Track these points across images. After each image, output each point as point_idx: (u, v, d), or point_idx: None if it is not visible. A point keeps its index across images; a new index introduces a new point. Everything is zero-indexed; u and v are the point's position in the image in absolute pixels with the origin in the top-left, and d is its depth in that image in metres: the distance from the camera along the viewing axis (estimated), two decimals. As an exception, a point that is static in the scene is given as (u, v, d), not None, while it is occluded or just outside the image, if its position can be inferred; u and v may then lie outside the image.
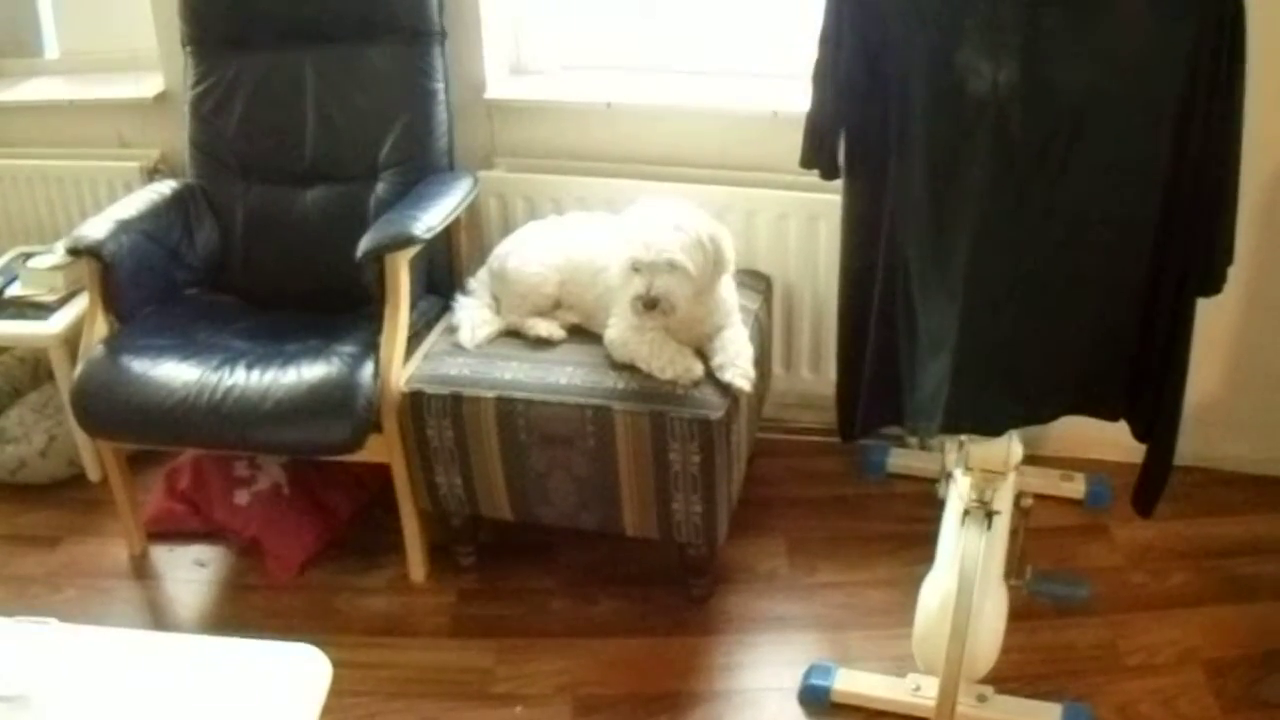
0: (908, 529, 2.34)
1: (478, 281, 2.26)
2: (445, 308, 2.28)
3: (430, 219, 2.13)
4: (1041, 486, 2.33)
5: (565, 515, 2.06)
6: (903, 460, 2.50)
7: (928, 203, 1.67)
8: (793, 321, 2.48)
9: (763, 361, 2.27)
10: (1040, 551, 2.12)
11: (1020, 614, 1.91)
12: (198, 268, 2.44)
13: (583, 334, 2.13)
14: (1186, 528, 2.31)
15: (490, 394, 1.98)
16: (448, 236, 2.34)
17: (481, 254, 2.44)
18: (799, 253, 2.40)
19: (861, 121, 1.76)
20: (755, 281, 2.34)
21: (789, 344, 2.51)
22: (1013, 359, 1.67)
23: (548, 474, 2.01)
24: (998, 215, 1.61)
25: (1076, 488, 2.39)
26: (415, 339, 2.20)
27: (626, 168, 2.48)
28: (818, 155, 1.83)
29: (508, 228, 2.50)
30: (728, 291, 2.06)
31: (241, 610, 2.21)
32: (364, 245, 2.06)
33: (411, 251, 2.10)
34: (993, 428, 1.71)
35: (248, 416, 2.02)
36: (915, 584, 2.17)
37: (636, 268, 1.92)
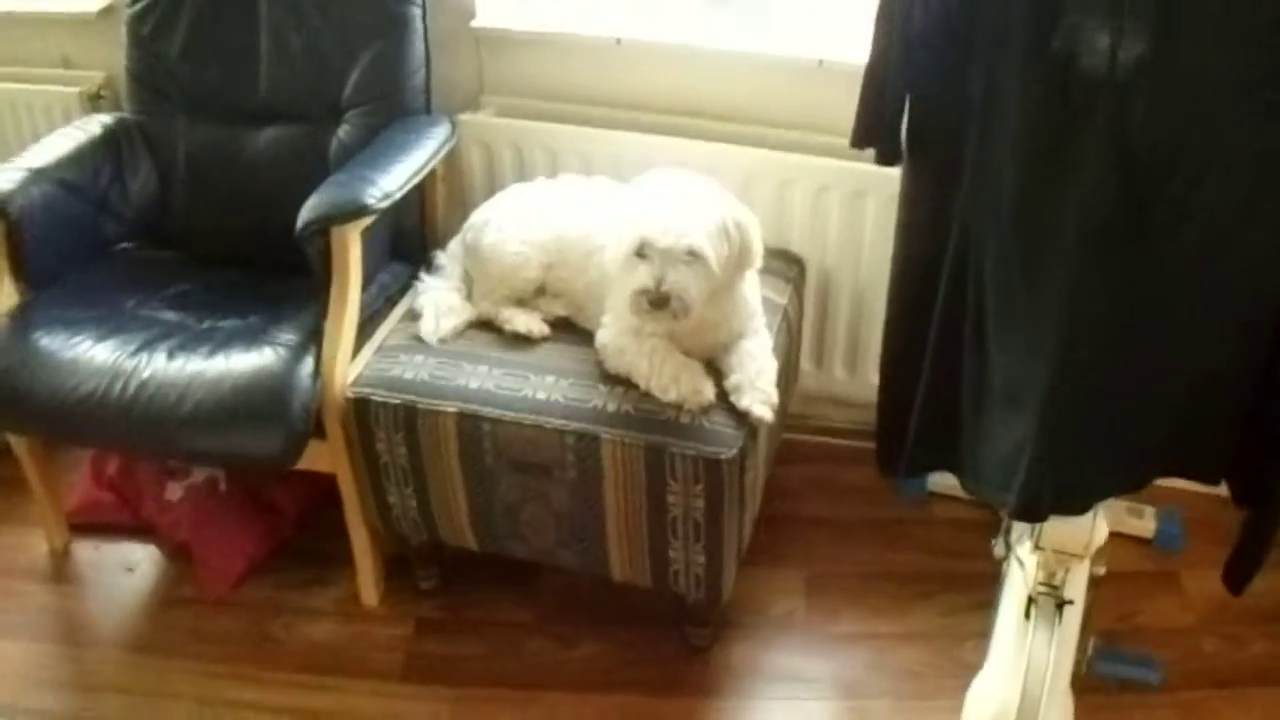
0: (948, 566, 1.98)
1: (448, 256, 1.88)
2: (413, 278, 1.92)
3: (390, 182, 1.75)
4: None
5: (540, 551, 1.72)
6: (947, 478, 2.12)
7: (1015, 210, 1.27)
8: (828, 312, 2.09)
9: (789, 364, 1.89)
10: (1100, 603, 1.77)
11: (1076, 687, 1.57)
12: (131, 219, 2.09)
13: (570, 329, 1.75)
14: (1272, 583, 1.94)
15: (451, 408, 1.62)
16: (420, 192, 1.97)
17: (463, 212, 2.05)
18: (840, 234, 1.99)
19: (936, 86, 1.35)
20: (784, 266, 1.94)
21: (821, 338, 2.12)
22: (1108, 421, 1.29)
23: (520, 505, 1.66)
24: (1107, 237, 1.22)
25: (1145, 525, 2.02)
26: (373, 320, 1.84)
27: (635, 118, 2.07)
28: (876, 129, 1.42)
29: (492, 183, 2.11)
30: (751, 292, 1.67)
31: (166, 631, 1.91)
32: (305, 215, 1.68)
33: (364, 223, 1.71)
34: (1079, 506, 1.34)
35: (163, 420, 1.68)
36: (955, 642, 1.86)
37: (644, 254, 1.52)
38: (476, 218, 1.85)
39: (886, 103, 1.38)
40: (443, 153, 1.94)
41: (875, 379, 2.10)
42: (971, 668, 1.55)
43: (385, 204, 1.71)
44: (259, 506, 2.03)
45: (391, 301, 1.92)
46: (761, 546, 1.96)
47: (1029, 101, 1.24)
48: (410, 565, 1.92)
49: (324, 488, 2.00)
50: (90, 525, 2.08)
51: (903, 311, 1.55)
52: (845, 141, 1.92)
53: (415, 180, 1.83)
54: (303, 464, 1.74)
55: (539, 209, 1.81)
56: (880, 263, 1.95)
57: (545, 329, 1.73)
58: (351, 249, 1.71)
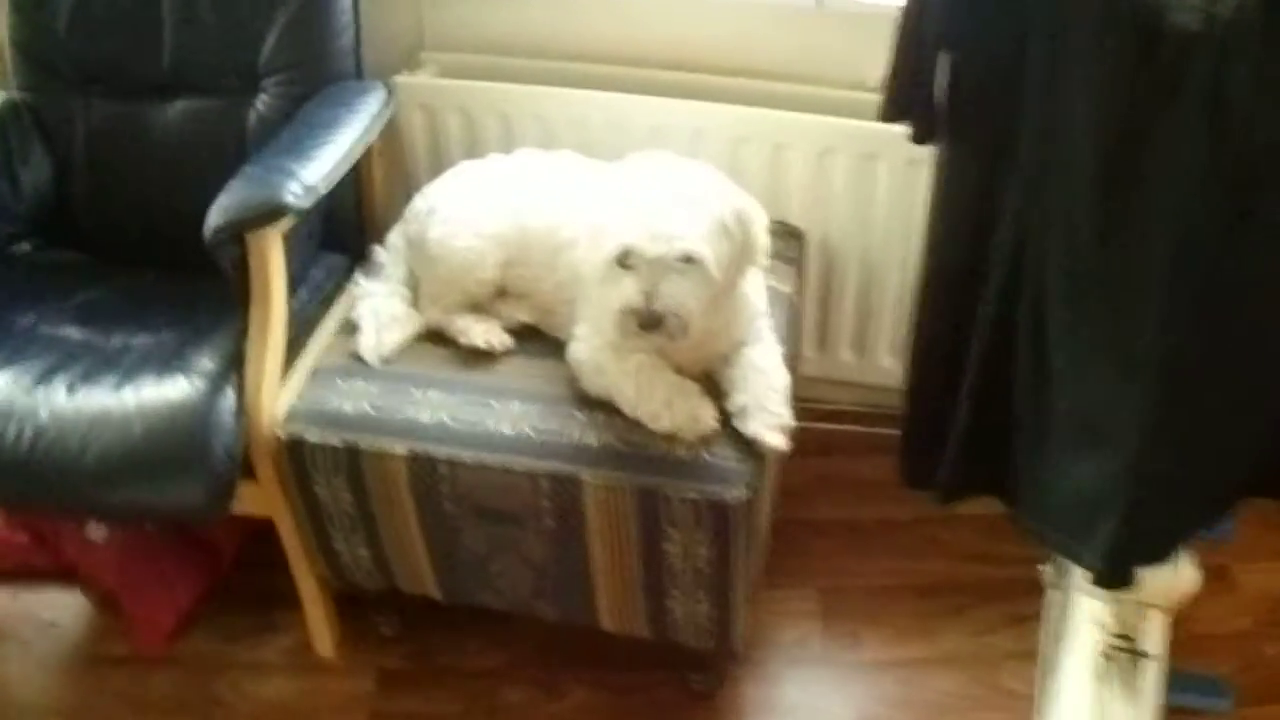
0: (978, 573, 1.77)
1: (388, 251, 1.60)
2: (351, 270, 1.66)
3: (313, 172, 1.46)
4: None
5: (516, 602, 1.49)
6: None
7: (1091, 202, 1.02)
8: (831, 290, 1.83)
9: (793, 354, 1.64)
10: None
11: None
12: (24, 216, 1.79)
13: (537, 339, 1.49)
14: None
15: (400, 448, 1.36)
16: (354, 171, 1.67)
17: (405, 189, 1.77)
18: (847, 202, 1.72)
19: (986, 43, 1.09)
20: (784, 244, 1.67)
21: (825, 319, 1.86)
22: (1208, 455, 1.05)
23: (489, 556, 1.42)
24: (1211, 233, 0.96)
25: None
26: (306, 329, 1.59)
27: (603, 74, 1.77)
28: (910, 97, 1.15)
29: (438, 155, 1.83)
30: (754, 290, 1.41)
31: (97, 696, 1.67)
32: (213, 219, 1.40)
33: (285, 225, 1.43)
34: (1170, 553, 1.10)
35: (65, 473, 1.41)
36: (991, 666, 1.66)
37: (629, 263, 1.26)
38: (419, 204, 1.56)
39: (925, 64, 1.11)
40: (378, 125, 1.65)
41: (885, 362, 1.87)
42: (1012, 695, 1.35)
43: (309, 201, 1.43)
44: (192, 544, 1.77)
45: (327, 302, 1.65)
46: (770, 562, 1.72)
47: (1105, 65, 0.97)
48: (368, 613, 1.68)
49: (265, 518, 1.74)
50: (4, 572, 1.82)
51: (935, 311, 1.30)
52: (849, 96, 1.67)
53: (346, 165, 1.54)
54: (235, 507, 1.48)
55: (494, 193, 1.52)
56: (895, 236, 1.70)
57: (507, 341, 1.47)
58: (272, 257, 1.42)
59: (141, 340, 1.57)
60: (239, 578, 1.80)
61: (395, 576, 1.51)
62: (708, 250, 1.24)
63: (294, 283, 1.55)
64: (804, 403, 1.96)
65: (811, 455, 1.95)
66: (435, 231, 1.50)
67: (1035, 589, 1.64)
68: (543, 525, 1.35)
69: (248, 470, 1.46)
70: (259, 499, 1.50)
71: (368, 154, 1.70)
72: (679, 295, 1.24)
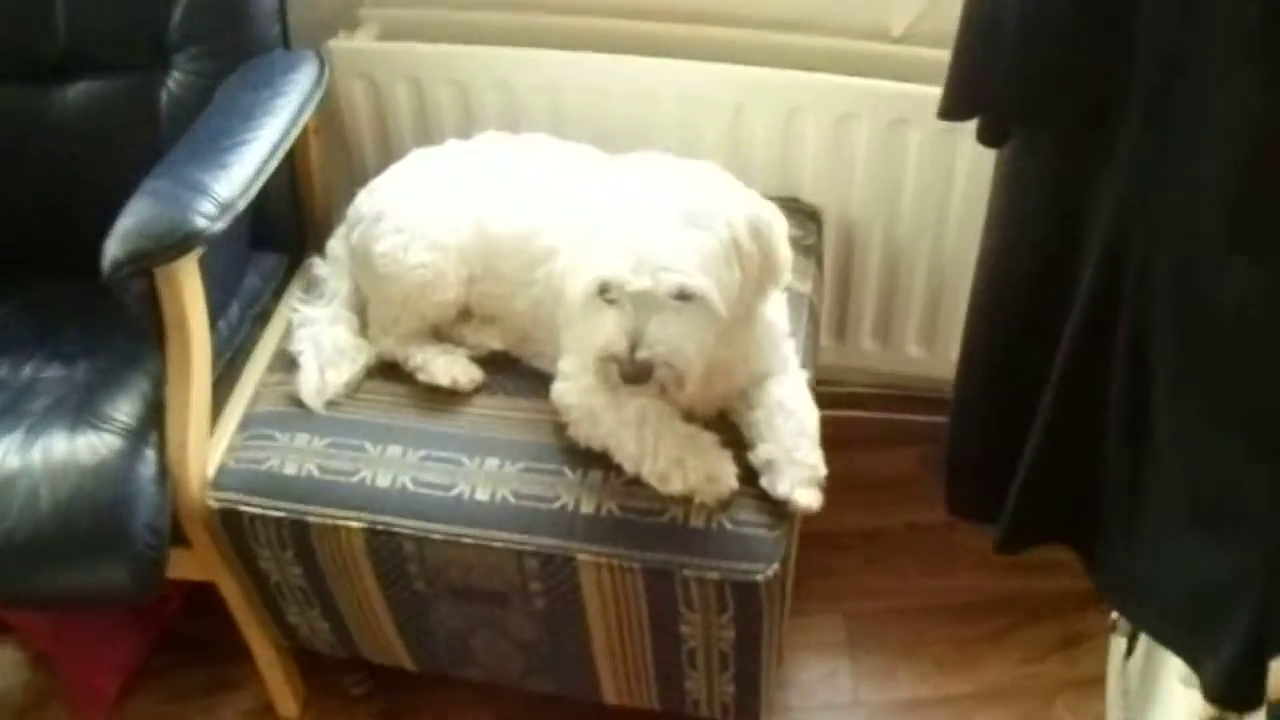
0: (1023, 587, 1.58)
1: (330, 262, 1.35)
2: (290, 275, 1.44)
3: (229, 183, 1.19)
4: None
5: (502, 676, 1.28)
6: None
7: (1223, 212, 0.78)
8: (852, 273, 1.59)
9: (810, 348, 1.41)
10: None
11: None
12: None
13: (512, 369, 1.25)
14: None
15: (355, 521, 1.13)
16: (289, 157, 1.41)
17: (350, 171, 1.53)
18: (869, 176, 1.47)
19: (1080, 24, 0.85)
20: (799, 224, 1.43)
21: (844, 305, 1.63)
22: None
23: (470, 632, 1.21)
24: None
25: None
26: (240, 356, 1.36)
27: (576, 29, 1.50)
28: (986, 86, 0.92)
29: (385, 133, 1.57)
30: (777, 314, 1.17)
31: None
32: (112, 251, 1.13)
33: (199, 253, 1.17)
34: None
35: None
36: (1043, 701, 1.49)
37: (611, 297, 1.02)
38: (363, 206, 1.30)
39: (1000, 42, 0.86)
40: (311, 105, 1.37)
41: (912, 350, 1.65)
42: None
43: (226, 221, 1.16)
44: (134, 595, 1.55)
45: (263, 319, 1.42)
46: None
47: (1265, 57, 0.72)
48: (334, 673, 1.47)
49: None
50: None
51: (994, 331, 1.08)
52: (872, 49, 1.41)
53: (273, 163, 1.27)
54: (170, 571, 1.26)
55: (452, 192, 1.26)
56: (926, 213, 1.46)
57: (476, 375, 1.23)
58: (186, 290, 1.17)
59: (52, 374, 1.35)
60: (189, 626, 1.59)
61: (360, 649, 1.30)
62: (708, 282, 1.00)
63: (219, 306, 1.32)
64: (817, 386, 1.75)
65: (827, 450, 1.74)
66: (382, 245, 1.24)
67: (1090, 602, 1.45)
68: (532, 607, 1.14)
69: (180, 536, 1.24)
70: (196, 566, 1.28)
71: (302, 135, 1.43)
72: (672, 339, 1.00)
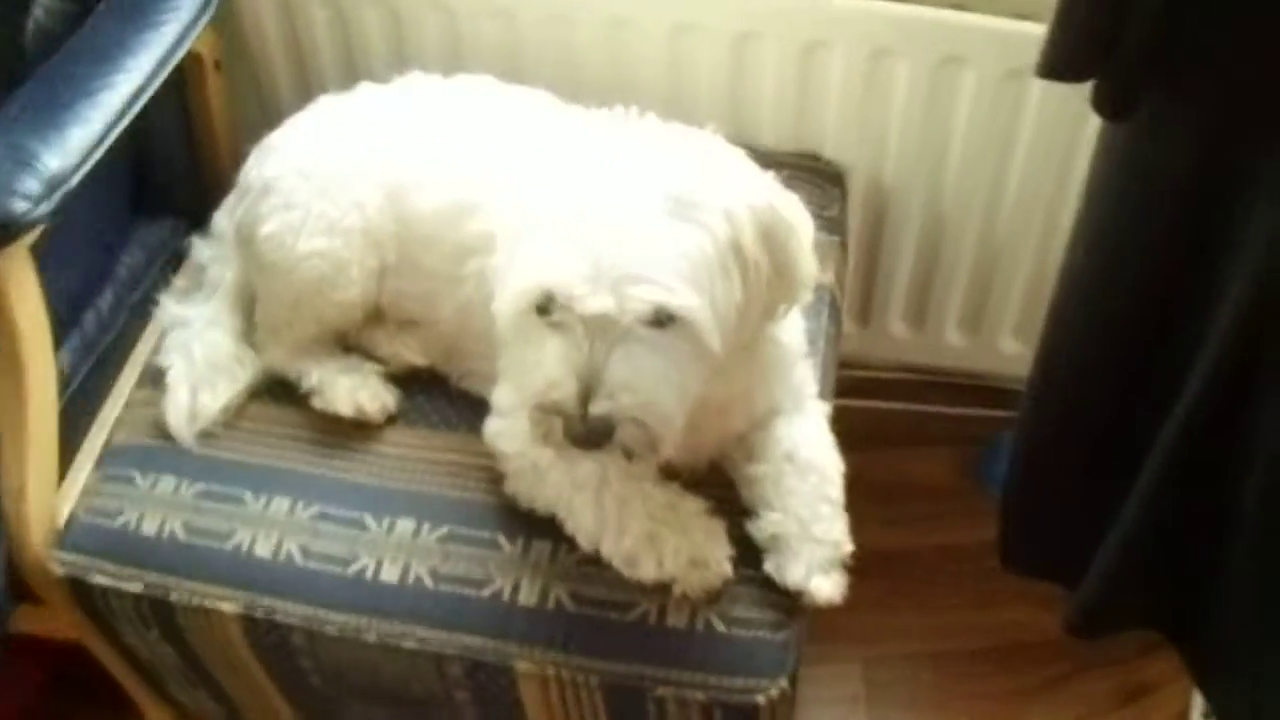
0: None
1: (214, 242, 1.06)
2: (188, 236, 1.13)
3: (59, 154, 0.88)
4: None
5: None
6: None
7: None
8: (883, 245, 1.29)
9: (828, 373, 1.12)
10: None
11: None
12: None
13: (437, 387, 0.96)
14: None
15: (228, 604, 0.86)
16: (178, 92, 1.12)
17: (265, 118, 1.22)
18: (910, 130, 1.17)
19: None
20: (819, 189, 1.13)
21: (870, 282, 1.33)
22: None
23: (383, 728, 0.94)
24: None
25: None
26: (111, 365, 1.05)
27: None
28: (1101, 38, 0.62)
29: (301, 65, 1.26)
30: (791, 332, 0.87)
31: None
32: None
33: (26, 242, 0.87)
34: None
35: None
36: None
37: (555, 319, 0.72)
38: (254, 174, 1.00)
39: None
40: (189, 37, 1.06)
41: (952, 337, 1.37)
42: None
43: (56, 202, 0.86)
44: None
45: (145, 308, 1.12)
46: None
47: None
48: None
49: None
50: None
51: (1085, 351, 0.81)
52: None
53: (126, 118, 0.96)
54: (32, 627, 1.02)
55: (360, 155, 0.95)
56: (978, 175, 1.16)
57: (389, 402, 0.94)
58: (13, 290, 0.88)
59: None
60: (81, 661, 1.33)
61: (260, 728, 1.04)
62: (696, 301, 0.70)
63: (79, 297, 1.03)
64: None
65: (842, 447, 1.46)
66: (268, 225, 0.94)
67: (1158, 644, 1.19)
68: (461, 715, 0.87)
69: (28, 592, 0.97)
70: (55, 623, 1.02)
71: (198, 70, 1.13)
72: (643, 384, 0.71)
